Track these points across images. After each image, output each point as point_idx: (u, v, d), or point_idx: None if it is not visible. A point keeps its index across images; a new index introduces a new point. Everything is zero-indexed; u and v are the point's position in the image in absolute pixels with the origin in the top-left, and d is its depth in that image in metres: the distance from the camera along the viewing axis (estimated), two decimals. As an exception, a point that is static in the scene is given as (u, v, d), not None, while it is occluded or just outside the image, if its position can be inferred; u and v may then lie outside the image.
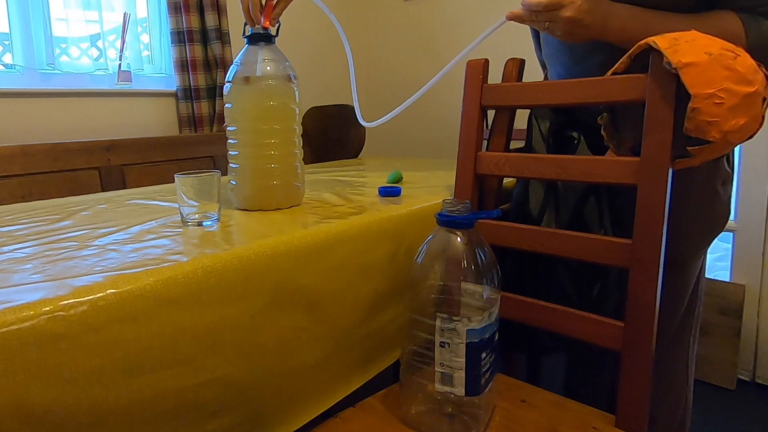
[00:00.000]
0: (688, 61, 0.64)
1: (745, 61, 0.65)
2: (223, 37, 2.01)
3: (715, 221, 0.88)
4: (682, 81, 0.64)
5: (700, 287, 0.94)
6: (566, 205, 0.95)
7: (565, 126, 0.98)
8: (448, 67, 0.86)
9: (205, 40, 2.02)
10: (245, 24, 0.88)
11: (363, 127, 2.27)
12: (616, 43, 0.81)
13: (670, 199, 0.69)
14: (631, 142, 0.79)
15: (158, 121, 2.01)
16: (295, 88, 0.89)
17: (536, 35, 1.05)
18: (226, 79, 0.87)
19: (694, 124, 0.64)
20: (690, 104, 0.64)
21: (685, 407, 0.96)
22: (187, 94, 2.01)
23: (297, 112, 0.90)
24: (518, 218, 0.97)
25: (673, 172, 0.68)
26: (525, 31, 1.18)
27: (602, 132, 0.80)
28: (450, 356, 0.62)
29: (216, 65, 2.02)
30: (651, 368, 0.67)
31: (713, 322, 1.75)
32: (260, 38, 0.86)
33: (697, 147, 0.67)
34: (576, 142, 0.96)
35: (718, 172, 0.85)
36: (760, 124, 0.68)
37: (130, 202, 0.99)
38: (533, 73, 1.05)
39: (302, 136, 0.93)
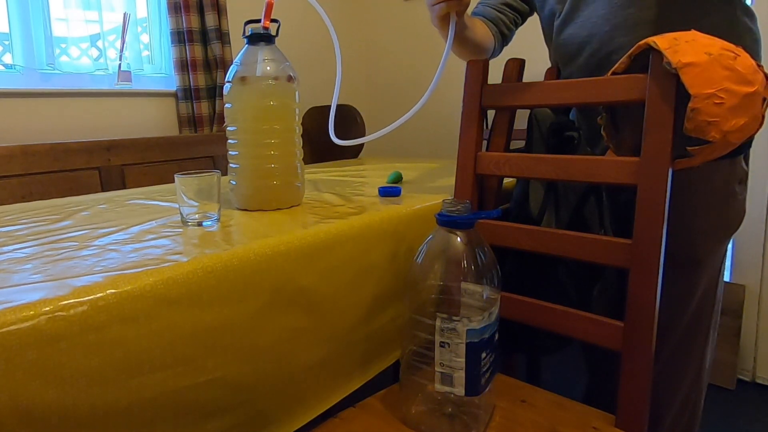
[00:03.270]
0: (688, 61, 0.64)
1: (745, 61, 0.65)
2: (223, 37, 2.01)
3: (731, 220, 0.88)
4: (682, 81, 0.64)
5: (717, 290, 0.92)
6: (566, 205, 0.95)
7: (565, 126, 0.98)
8: (432, 86, 0.87)
9: (205, 40, 2.02)
10: (245, 24, 0.88)
11: (363, 127, 2.27)
12: None
13: (687, 194, 0.69)
14: (631, 142, 0.79)
15: (158, 121, 2.01)
16: (295, 88, 0.89)
17: (549, 40, 1.05)
18: (226, 79, 0.87)
19: (694, 124, 0.64)
20: (690, 104, 0.64)
21: (693, 409, 0.95)
22: (187, 94, 2.01)
23: (297, 112, 0.90)
24: (518, 218, 0.97)
25: (674, 172, 0.68)
26: (525, 32, 1.18)
27: (602, 132, 0.80)
28: (450, 356, 0.62)
29: (216, 65, 2.02)
30: (651, 368, 0.67)
31: (713, 322, 1.74)
32: (260, 38, 0.86)
33: (697, 147, 0.67)
34: (576, 142, 0.96)
35: (736, 171, 0.85)
36: (760, 124, 0.68)
37: (130, 202, 0.99)
38: (533, 73, 1.05)
39: (302, 136, 0.93)
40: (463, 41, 1.01)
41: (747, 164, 0.87)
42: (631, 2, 0.85)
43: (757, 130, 0.68)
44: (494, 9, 1.11)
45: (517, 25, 1.15)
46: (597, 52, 0.90)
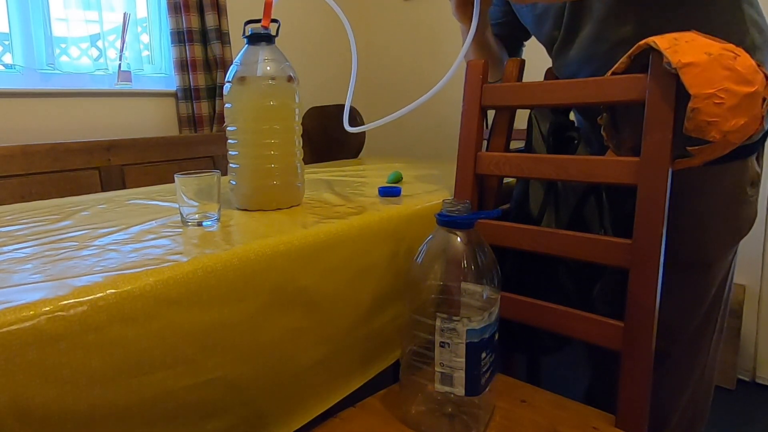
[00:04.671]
0: (688, 61, 0.64)
1: (745, 61, 0.65)
2: (223, 37, 2.01)
3: (742, 223, 0.86)
4: (682, 81, 0.64)
5: (725, 292, 0.91)
6: (566, 205, 0.95)
7: (565, 126, 0.98)
8: (447, 76, 0.86)
9: (205, 40, 2.02)
10: (245, 24, 0.88)
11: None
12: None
13: (695, 197, 0.68)
14: (631, 142, 0.79)
15: (158, 121, 2.01)
16: (295, 88, 0.89)
17: (550, 48, 1.04)
18: (226, 79, 0.87)
19: (694, 124, 0.64)
20: (690, 104, 0.64)
21: (696, 410, 0.94)
22: (187, 94, 2.01)
23: (297, 112, 0.90)
24: (518, 218, 0.97)
25: (682, 173, 0.68)
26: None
27: (602, 132, 0.80)
28: (450, 356, 0.62)
29: (216, 65, 2.02)
30: (651, 368, 0.67)
31: (713, 322, 1.74)
32: (260, 38, 0.86)
33: (696, 147, 0.67)
34: (576, 142, 0.96)
35: (748, 173, 0.83)
36: (760, 124, 0.68)
37: (130, 202, 0.99)
38: (533, 73, 1.05)
39: (302, 136, 0.93)
40: (483, 45, 1.00)
41: (760, 165, 0.84)
42: (624, 21, 0.84)
43: (758, 130, 0.68)
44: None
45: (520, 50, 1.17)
46: (598, 71, 0.89)
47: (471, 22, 0.87)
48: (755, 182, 0.84)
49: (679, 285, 0.79)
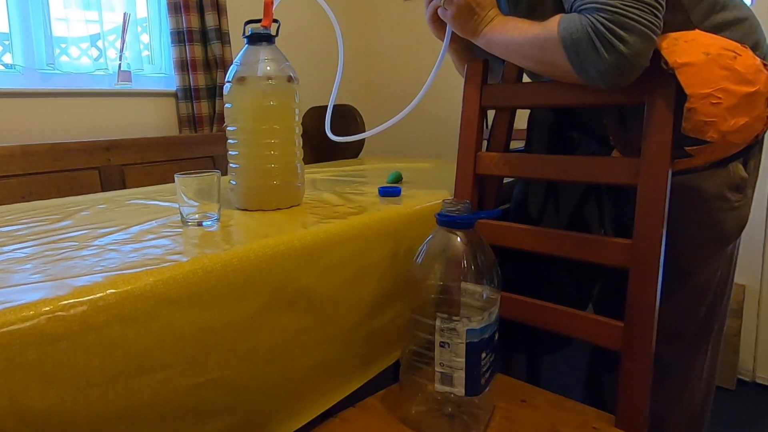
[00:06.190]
0: (685, 61, 0.63)
1: (746, 60, 0.65)
2: (223, 37, 2.01)
3: (723, 229, 0.82)
4: (679, 81, 0.64)
5: (725, 295, 0.88)
6: (566, 205, 0.94)
7: (565, 126, 0.98)
8: (425, 88, 0.86)
9: (205, 40, 2.02)
10: (245, 24, 0.88)
11: (362, 127, 2.26)
12: (482, 47, 0.80)
13: (673, 204, 0.68)
14: (639, 142, 0.78)
15: (158, 121, 2.01)
16: (295, 88, 0.89)
17: None
18: (226, 79, 0.87)
19: (692, 124, 0.64)
20: (686, 104, 0.63)
21: (693, 412, 0.93)
22: (187, 94, 2.01)
23: (297, 112, 0.90)
24: (518, 218, 0.97)
25: (672, 176, 0.68)
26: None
27: (609, 133, 0.80)
28: (450, 356, 0.62)
29: (216, 65, 2.02)
30: (651, 368, 0.67)
31: (713, 322, 1.74)
32: (260, 38, 0.86)
33: (695, 147, 0.67)
34: (576, 142, 0.96)
35: (730, 179, 0.80)
36: (766, 124, 0.67)
37: (130, 202, 0.99)
38: (533, 73, 1.04)
39: (302, 136, 0.93)
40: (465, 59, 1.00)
41: (748, 170, 0.81)
42: None
43: (764, 130, 0.67)
44: None
45: None
46: None
47: (444, 37, 0.86)
48: (741, 187, 0.81)
49: (673, 290, 0.79)
